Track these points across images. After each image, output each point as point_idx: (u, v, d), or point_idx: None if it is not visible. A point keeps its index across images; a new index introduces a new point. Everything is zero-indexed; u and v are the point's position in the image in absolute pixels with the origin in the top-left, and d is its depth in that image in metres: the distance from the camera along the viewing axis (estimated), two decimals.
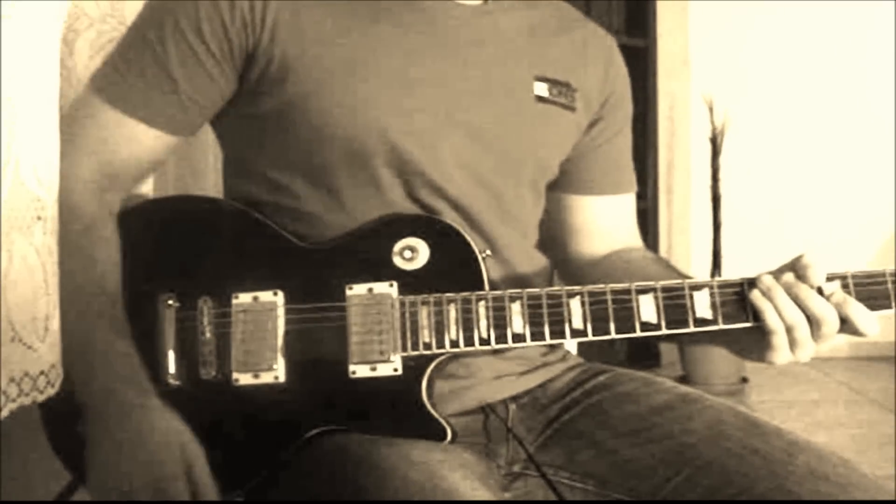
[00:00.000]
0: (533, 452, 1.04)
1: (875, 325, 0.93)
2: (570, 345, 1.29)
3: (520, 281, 1.05)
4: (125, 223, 1.02)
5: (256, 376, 0.96)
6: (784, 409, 3.16)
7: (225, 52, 0.99)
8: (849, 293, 0.93)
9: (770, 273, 0.95)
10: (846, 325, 0.93)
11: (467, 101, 1.04)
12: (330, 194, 1.02)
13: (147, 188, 1.21)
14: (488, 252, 1.00)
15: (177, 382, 0.97)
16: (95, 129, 1.01)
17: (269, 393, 0.96)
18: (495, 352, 1.04)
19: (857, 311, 0.92)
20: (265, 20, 0.99)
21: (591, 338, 0.95)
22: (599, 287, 0.96)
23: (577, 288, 0.96)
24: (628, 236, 1.21)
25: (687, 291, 0.95)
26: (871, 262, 3.63)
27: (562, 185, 1.17)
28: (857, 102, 3.94)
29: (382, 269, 0.97)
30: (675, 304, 0.95)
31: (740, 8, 3.88)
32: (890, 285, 0.94)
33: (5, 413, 0.69)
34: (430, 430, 0.94)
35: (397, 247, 0.98)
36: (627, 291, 0.95)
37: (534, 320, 0.95)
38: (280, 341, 0.96)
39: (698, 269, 3.69)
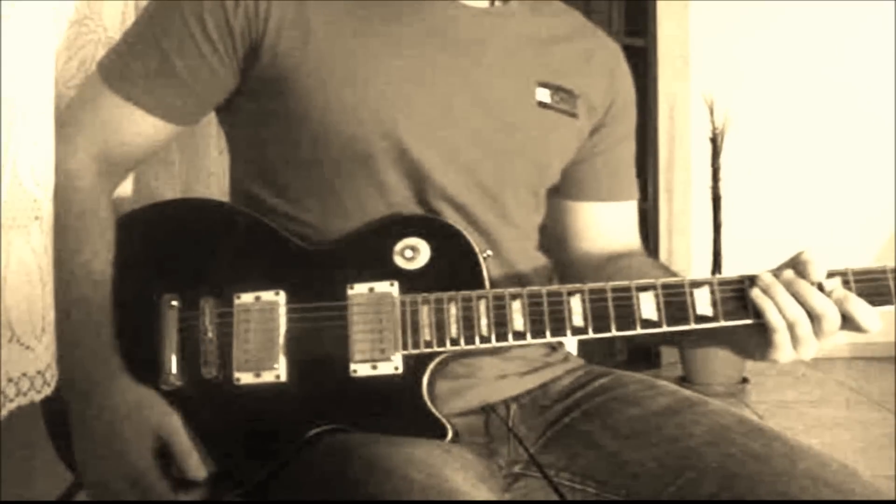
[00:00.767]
0: (534, 453, 1.04)
1: (877, 320, 0.93)
2: (572, 346, 1.29)
3: (520, 280, 1.05)
4: (128, 226, 1.02)
5: (258, 375, 0.96)
6: (784, 409, 3.16)
7: (227, 47, 1.00)
8: (849, 289, 0.93)
9: (770, 271, 0.95)
10: (848, 322, 0.93)
11: (468, 103, 1.04)
12: (333, 194, 1.02)
13: (127, 187, 1.21)
14: (489, 252, 1.00)
15: (179, 382, 0.97)
16: (96, 112, 1.02)
17: (270, 392, 0.96)
18: (497, 352, 1.04)
19: (859, 307, 0.92)
20: (269, 18, 0.99)
21: (591, 335, 0.95)
22: (600, 285, 0.96)
23: (577, 286, 0.96)
24: (630, 242, 1.21)
25: (687, 289, 0.95)
26: (872, 262, 3.62)
27: (563, 190, 1.17)
28: (857, 102, 3.94)
29: (383, 268, 0.97)
30: (675, 302, 0.95)
31: (740, 8, 3.88)
32: (891, 281, 0.94)
33: (4, 413, 0.69)
34: (431, 429, 0.94)
35: (398, 246, 0.98)
36: (628, 289, 0.95)
37: (534, 318, 0.95)
38: (281, 341, 0.96)
39: (698, 269, 3.70)
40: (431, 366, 0.96)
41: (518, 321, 0.95)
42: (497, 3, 1.09)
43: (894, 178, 3.93)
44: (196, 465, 0.94)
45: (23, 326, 0.70)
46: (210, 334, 0.97)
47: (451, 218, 1.02)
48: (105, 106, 1.02)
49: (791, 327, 0.92)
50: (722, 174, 3.56)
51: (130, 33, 1.05)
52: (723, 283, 0.95)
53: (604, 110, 1.15)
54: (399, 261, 0.97)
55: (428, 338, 0.95)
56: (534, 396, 1.09)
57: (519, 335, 0.95)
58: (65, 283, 0.92)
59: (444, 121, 1.02)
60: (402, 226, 0.99)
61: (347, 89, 0.99)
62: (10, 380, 0.69)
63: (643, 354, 3.74)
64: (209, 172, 1.39)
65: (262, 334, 0.96)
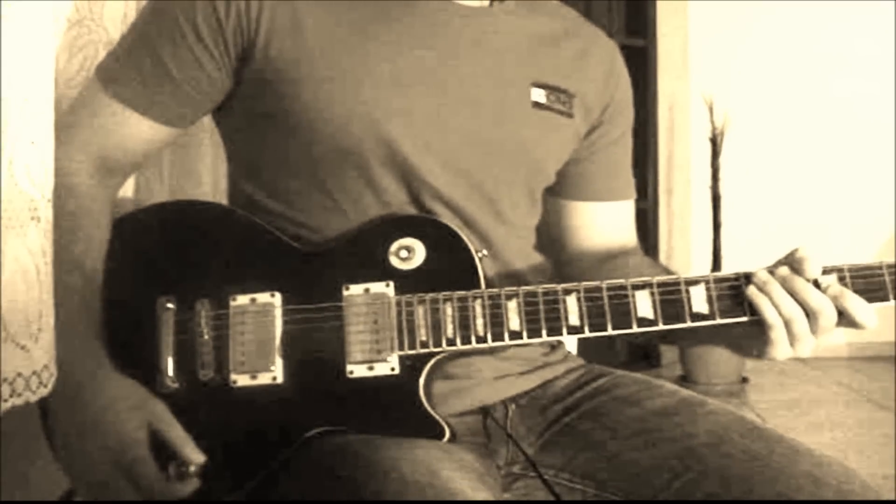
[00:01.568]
0: (533, 453, 1.04)
1: (873, 317, 0.93)
2: (571, 345, 1.29)
3: (516, 280, 1.05)
4: (123, 228, 1.02)
5: (254, 377, 0.96)
6: (784, 409, 3.16)
7: (220, 49, 1.00)
8: (845, 286, 0.93)
9: (766, 268, 0.95)
10: (844, 318, 0.93)
11: (463, 104, 1.04)
12: (327, 195, 1.02)
13: (128, 191, 1.21)
14: (485, 252, 1.00)
15: (175, 384, 0.97)
16: (94, 115, 1.03)
17: (267, 394, 0.96)
18: (495, 352, 1.04)
19: (855, 304, 0.92)
20: (261, 19, 0.99)
21: (587, 334, 0.95)
22: (595, 284, 0.96)
23: (573, 285, 0.96)
24: (626, 241, 1.21)
25: (683, 286, 0.95)
26: (871, 261, 3.63)
27: (560, 190, 1.17)
28: (857, 102, 3.94)
29: (379, 269, 0.97)
30: (671, 300, 0.95)
31: (740, 8, 3.88)
32: (886, 277, 0.94)
33: None
34: (429, 430, 0.94)
35: (394, 247, 0.98)
36: (623, 287, 0.95)
37: (530, 318, 0.95)
38: (278, 342, 0.96)
39: (698, 269, 3.69)
40: (428, 366, 0.96)
41: (514, 321, 0.95)
42: (493, 3, 1.09)
43: (894, 179, 3.93)
44: (193, 450, 0.93)
45: (18, 326, 0.70)
46: (206, 336, 0.97)
47: (446, 218, 1.02)
48: (102, 109, 1.03)
49: (787, 324, 0.92)
50: (722, 174, 3.56)
51: (127, 37, 1.06)
52: (718, 280, 0.95)
53: (600, 110, 1.15)
54: (394, 261, 0.97)
55: (424, 338, 0.95)
56: (533, 396, 1.09)
57: (515, 335, 0.95)
58: (55, 275, 0.92)
59: (437, 121, 1.02)
60: (398, 226, 0.99)
61: (338, 90, 0.99)
62: (4, 380, 0.69)
63: (643, 354, 3.74)
64: (201, 175, 1.40)
65: (258, 336, 0.96)
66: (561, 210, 1.19)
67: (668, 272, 1.07)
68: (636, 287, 0.95)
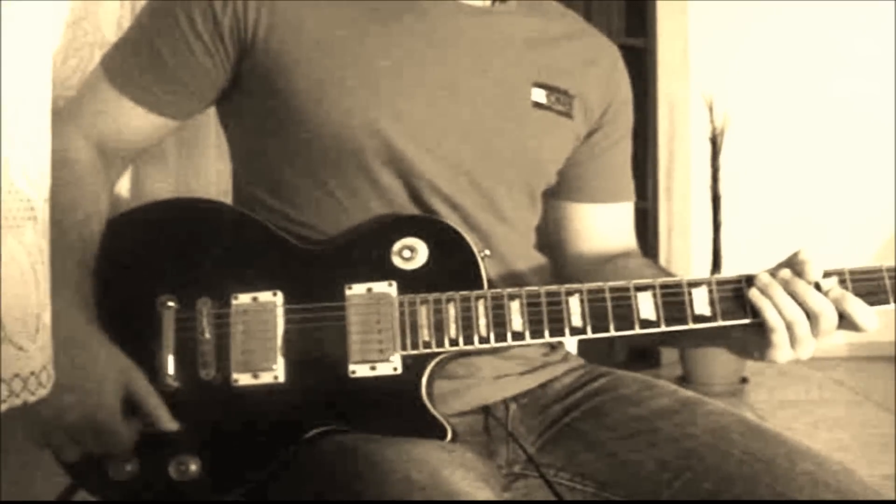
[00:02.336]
0: (533, 453, 1.04)
1: (874, 320, 0.93)
2: (571, 345, 1.29)
3: (518, 280, 1.05)
4: (124, 225, 1.02)
5: (256, 376, 0.96)
6: (784, 409, 3.16)
7: (217, 45, 1.01)
8: (846, 289, 0.93)
9: (767, 270, 0.95)
10: (845, 321, 0.93)
11: (462, 103, 1.04)
12: (328, 194, 1.02)
13: (124, 187, 1.22)
14: (487, 252, 1.00)
15: (176, 383, 0.97)
16: (95, 103, 1.05)
17: (268, 393, 0.96)
18: (496, 351, 1.04)
19: (856, 307, 0.92)
20: (259, 17, 1.00)
21: (590, 335, 0.95)
22: (598, 285, 0.96)
23: (575, 286, 0.96)
24: (626, 243, 1.21)
25: (685, 288, 0.95)
26: (871, 262, 3.63)
27: (560, 191, 1.17)
28: (856, 102, 3.94)
29: (381, 268, 0.97)
30: (673, 302, 0.95)
31: (740, 8, 3.88)
32: (887, 280, 0.94)
33: None
34: (431, 430, 0.94)
35: (396, 246, 0.98)
36: (626, 289, 0.95)
37: (533, 318, 0.95)
38: (279, 341, 0.96)
39: (698, 270, 3.69)
40: (430, 366, 0.96)
41: (516, 321, 0.95)
42: (494, 3, 1.09)
43: (894, 179, 3.93)
44: (168, 418, 0.95)
45: (15, 327, 0.70)
46: (207, 335, 0.97)
47: (448, 218, 1.02)
48: (103, 98, 1.05)
49: (789, 327, 0.92)
50: (722, 174, 3.56)
51: (130, 30, 1.08)
52: (721, 282, 0.95)
53: (600, 112, 1.15)
54: (397, 261, 0.97)
55: (427, 338, 0.95)
56: (533, 396, 1.09)
57: (517, 335, 0.95)
58: (54, 236, 0.92)
59: (437, 120, 1.02)
60: (400, 226, 0.99)
61: (337, 89, 0.99)
62: (2, 381, 0.69)
63: (643, 354, 3.74)
64: (206, 173, 1.40)
65: (259, 335, 0.96)
66: (561, 212, 1.19)
67: (668, 274, 1.08)
68: (639, 288, 0.95)
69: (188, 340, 0.97)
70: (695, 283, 0.95)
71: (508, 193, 1.08)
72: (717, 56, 3.89)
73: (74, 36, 1.13)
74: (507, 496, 1.01)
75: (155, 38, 1.03)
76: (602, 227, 1.19)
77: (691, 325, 0.95)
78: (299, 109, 1.00)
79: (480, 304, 0.95)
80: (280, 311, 0.97)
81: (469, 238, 0.98)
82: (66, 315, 0.92)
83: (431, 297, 0.96)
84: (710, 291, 0.95)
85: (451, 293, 0.96)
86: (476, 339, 0.95)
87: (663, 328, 0.94)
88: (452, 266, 0.97)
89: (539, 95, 1.08)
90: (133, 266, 1.00)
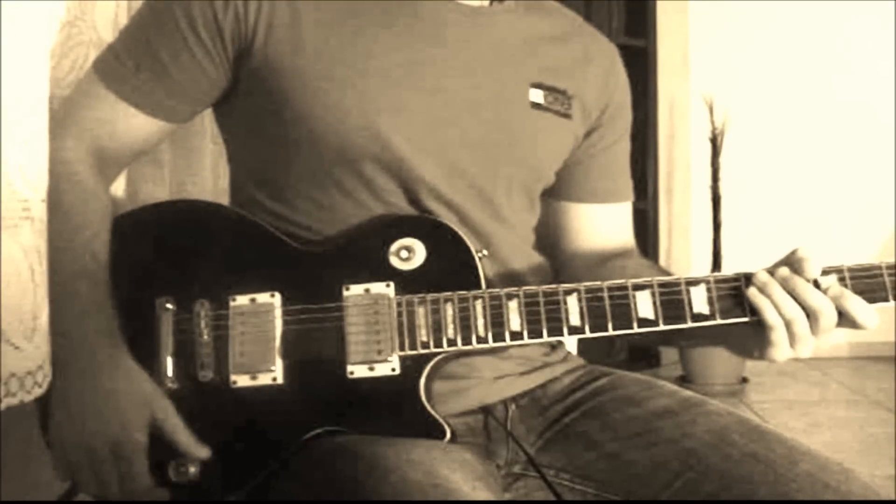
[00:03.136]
0: (533, 453, 1.04)
1: (874, 317, 0.93)
2: (572, 345, 1.29)
3: (517, 280, 1.05)
4: (122, 227, 1.02)
5: (254, 378, 0.96)
6: (784, 409, 3.16)
7: (217, 47, 1.00)
8: (845, 286, 0.93)
9: (766, 269, 0.95)
10: (845, 319, 0.92)
11: (460, 104, 1.04)
12: (326, 195, 1.02)
13: (119, 189, 1.21)
14: (485, 252, 1.00)
15: (175, 385, 0.97)
16: (91, 108, 1.03)
17: (267, 394, 0.96)
18: (495, 352, 1.04)
19: (855, 304, 0.92)
20: (259, 19, 0.99)
21: (588, 335, 0.95)
22: (596, 284, 0.96)
23: (573, 285, 0.96)
24: (625, 243, 1.21)
25: (683, 287, 0.95)
26: (871, 262, 3.63)
27: (558, 191, 1.17)
28: (857, 102, 3.94)
29: (379, 269, 0.97)
30: (671, 300, 0.95)
31: (740, 8, 3.89)
32: (886, 277, 0.94)
33: None
34: (429, 430, 0.94)
35: (394, 247, 0.98)
36: (624, 288, 0.95)
37: (531, 318, 0.95)
38: (278, 343, 0.96)
39: (698, 269, 3.69)
40: (429, 367, 0.96)
41: (515, 321, 0.95)
42: (492, 3, 1.09)
43: (894, 178, 3.93)
44: (195, 445, 0.94)
45: (12, 326, 0.70)
46: (206, 337, 0.97)
47: (445, 218, 1.02)
48: (99, 102, 1.03)
49: (788, 325, 0.92)
50: (722, 174, 3.56)
51: (125, 32, 1.06)
52: (719, 281, 0.95)
53: (599, 111, 1.15)
54: (395, 261, 0.97)
55: (425, 339, 0.95)
56: (533, 396, 1.08)
57: (516, 335, 0.95)
58: (68, 260, 0.92)
59: (435, 121, 1.02)
60: (397, 226, 0.99)
61: (335, 91, 0.99)
62: None
63: (643, 354, 3.74)
64: (202, 175, 1.40)
65: (257, 336, 0.96)
66: (559, 212, 1.19)
67: (667, 274, 1.07)
68: (637, 287, 0.95)
69: (186, 342, 0.97)
70: (693, 282, 0.95)
71: (507, 195, 1.08)
72: (717, 56, 3.89)
73: (69, 35, 1.12)
74: (507, 496, 1.01)
75: (153, 39, 1.01)
76: (601, 226, 1.19)
77: (690, 324, 0.94)
78: (297, 112, 0.99)
79: (478, 305, 0.95)
80: (278, 313, 0.97)
81: (467, 238, 0.98)
82: (94, 342, 0.93)
83: (429, 297, 0.95)
84: (709, 290, 0.95)
85: (448, 293, 0.95)
86: (474, 339, 0.95)
87: (662, 327, 0.94)
88: (450, 266, 0.97)
89: (537, 96, 1.08)
90: (131, 268, 1.00)
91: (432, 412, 0.95)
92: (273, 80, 1.00)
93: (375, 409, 0.95)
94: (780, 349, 0.93)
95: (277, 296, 0.97)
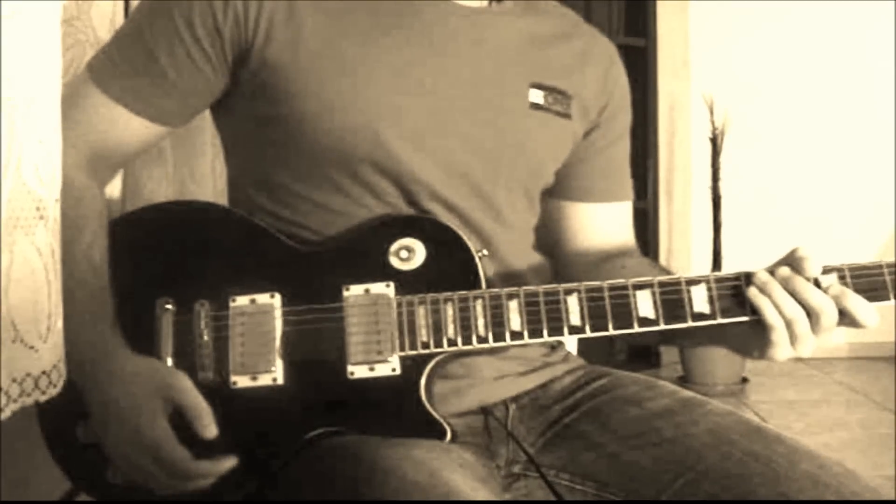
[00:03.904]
0: (533, 453, 1.04)
1: (875, 316, 0.92)
2: (572, 345, 1.29)
3: (517, 280, 1.05)
4: (122, 228, 1.02)
5: (254, 378, 0.96)
6: (784, 409, 3.16)
7: (217, 49, 1.00)
8: (846, 285, 0.93)
9: (766, 268, 0.95)
10: (845, 318, 0.92)
11: (460, 105, 1.04)
12: (326, 197, 1.02)
13: (116, 190, 1.21)
14: (485, 252, 1.00)
15: None
16: (85, 112, 1.02)
17: (267, 395, 0.96)
18: (495, 352, 1.04)
19: (856, 303, 0.92)
20: (259, 21, 0.99)
21: (589, 334, 0.95)
22: (597, 284, 0.96)
23: (573, 285, 0.96)
24: (625, 242, 1.21)
25: (684, 286, 0.95)
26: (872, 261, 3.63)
27: (558, 191, 1.17)
28: (857, 102, 3.94)
29: (379, 269, 0.97)
30: (672, 300, 0.95)
31: (740, 8, 3.88)
32: (887, 276, 0.94)
33: (7, 413, 0.68)
34: (430, 430, 0.94)
35: (394, 247, 0.98)
36: (624, 287, 0.95)
37: (531, 318, 0.95)
38: (278, 343, 0.96)
39: (698, 269, 3.69)
40: (429, 367, 0.96)
41: (515, 321, 0.95)
42: (491, 3, 1.09)
43: (894, 178, 3.93)
44: (209, 422, 0.93)
45: (27, 327, 0.70)
46: (206, 337, 0.97)
47: (445, 218, 1.02)
48: (94, 105, 1.02)
49: (789, 325, 0.92)
50: (722, 174, 3.56)
51: (120, 34, 1.05)
52: (719, 280, 0.95)
53: (598, 111, 1.15)
54: (395, 261, 0.97)
55: (425, 339, 0.95)
56: (533, 397, 1.09)
57: (516, 335, 0.95)
58: (66, 270, 0.92)
59: (434, 123, 1.02)
60: (397, 226, 0.99)
61: (333, 93, 0.99)
62: (13, 380, 0.69)
63: (643, 354, 3.74)
64: (203, 174, 1.40)
65: (258, 337, 0.96)
66: (559, 211, 1.19)
67: (668, 273, 1.08)
68: (637, 287, 0.95)
69: (186, 343, 0.97)
70: (693, 282, 0.95)
71: (507, 195, 1.08)
72: (717, 56, 3.89)
73: (66, 34, 1.11)
74: (507, 497, 1.01)
75: (150, 41, 1.00)
76: (601, 226, 1.19)
77: (690, 323, 0.94)
78: (296, 114, 0.99)
79: (478, 304, 0.95)
80: (278, 313, 0.97)
81: (467, 238, 0.98)
82: (92, 357, 0.93)
83: (429, 297, 0.95)
84: (709, 289, 0.95)
85: (448, 293, 0.95)
86: (474, 339, 0.95)
87: (662, 326, 0.94)
88: (450, 266, 0.97)
89: (536, 97, 1.08)
90: (131, 269, 0.99)
91: (432, 412, 0.95)
92: (272, 82, 1.00)
93: (376, 409, 0.95)
94: (781, 349, 0.93)
95: (277, 296, 0.97)
